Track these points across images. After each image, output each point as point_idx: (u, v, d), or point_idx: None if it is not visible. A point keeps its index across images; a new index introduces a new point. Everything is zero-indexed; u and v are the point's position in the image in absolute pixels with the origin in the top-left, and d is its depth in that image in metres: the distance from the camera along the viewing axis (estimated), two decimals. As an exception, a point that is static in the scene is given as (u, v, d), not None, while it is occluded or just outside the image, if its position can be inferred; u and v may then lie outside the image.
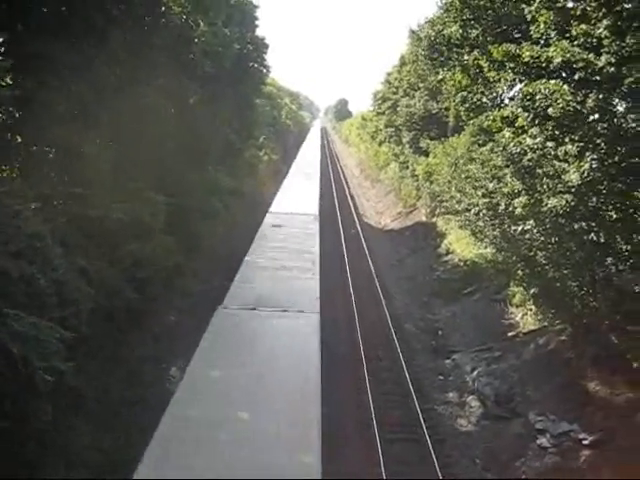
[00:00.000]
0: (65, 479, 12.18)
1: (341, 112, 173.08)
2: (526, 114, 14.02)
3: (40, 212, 16.04)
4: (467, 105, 18.90)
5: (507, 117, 15.31)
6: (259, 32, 39.61)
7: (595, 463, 14.19)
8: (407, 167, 45.58)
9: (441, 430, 17.32)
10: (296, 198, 34.19)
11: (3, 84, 17.87)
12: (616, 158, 13.10)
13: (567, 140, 13.48)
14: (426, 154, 39.03)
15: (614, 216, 13.85)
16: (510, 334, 21.40)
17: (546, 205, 14.41)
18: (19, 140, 19.17)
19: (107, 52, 19.84)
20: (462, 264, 30.09)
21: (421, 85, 39.83)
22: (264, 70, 45.59)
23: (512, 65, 14.15)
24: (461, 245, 31.72)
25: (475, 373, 19.73)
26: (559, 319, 19.71)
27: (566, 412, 16.18)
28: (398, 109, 45.05)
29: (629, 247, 14.26)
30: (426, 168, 37.51)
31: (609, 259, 16.01)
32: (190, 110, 31.26)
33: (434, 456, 15.63)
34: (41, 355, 10.53)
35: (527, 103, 13.64)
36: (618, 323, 16.59)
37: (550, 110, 13.02)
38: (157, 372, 17.73)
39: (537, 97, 13.19)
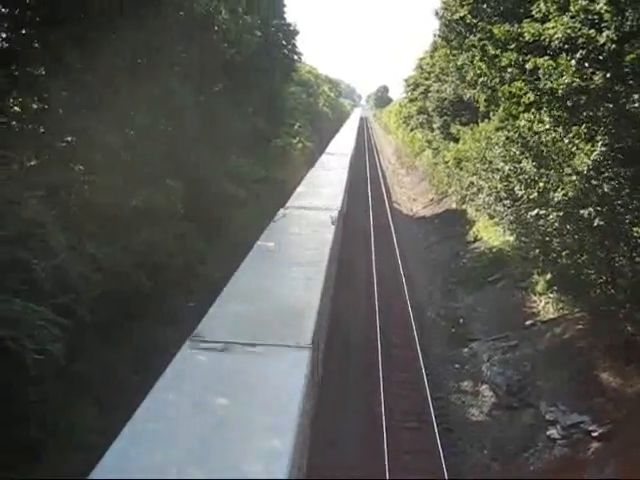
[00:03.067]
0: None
1: (382, 99, 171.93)
2: (534, 91, 13.58)
3: (48, 199, 16.27)
4: (487, 91, 18.48)
5: (514, 93, 14.83)
6: (292, 19, 39.48)
7: (602, 456, 13.80)
8: (439, 154, 44.98)
9: (451, 420, 17.05)
10: (315, 195, 29.87)
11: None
12: (623, 143, 12.59)
13: (575, 122, 13.03)
14: (456, 140, 38.40)
15: (623, 202, 13.36)
16: (528, 323, 20.93)
17: (556, 191, 14.00)
18: (37, 129, 19.58)
19: (121, 39, 19.99)
20: (488, 251, 29.65)
21: (452, 69, 39.06)
22: (295, 57, 45.45)
23: (515, 45, 13.74)
24: (488, 232, 31.24)
25: (489, 362, 19.39)
26: (577, 308, 19.23)
27: (578, 403, 15.77)
28: (429, 95, 44.46)
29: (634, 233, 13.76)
30: (455, 154, 36.90)
31: (625, 247, 15.58)
32: (214, 98, 31.35)
33: (440, 445, 15.39)
34: (31, 338, 10.66)
35: (534, 79, 13.20)
36: (634, 312, 16.08)
37: (554, 86, 12.56)
38: (167, 357, 17.82)
39: (540, 72, 12.76)
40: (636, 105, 12.04)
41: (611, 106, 12.49)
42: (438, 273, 30.49)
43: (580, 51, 12.37)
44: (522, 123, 16.07)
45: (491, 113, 27.58)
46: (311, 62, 75.01)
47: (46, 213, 13.96)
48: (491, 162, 19.51)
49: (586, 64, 12.45)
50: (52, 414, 13.82)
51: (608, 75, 12.69)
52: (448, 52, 35.42)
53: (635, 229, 14.03)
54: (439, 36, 22.41)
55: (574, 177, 13.25)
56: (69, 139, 20.39)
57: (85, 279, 14.60)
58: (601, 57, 12.36)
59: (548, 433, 15.47)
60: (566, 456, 14.60)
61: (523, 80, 13.78)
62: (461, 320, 24.29)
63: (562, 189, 13.70)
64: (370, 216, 42.44)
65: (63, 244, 14.13)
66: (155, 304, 19.58)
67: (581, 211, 13.87)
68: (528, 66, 13.21)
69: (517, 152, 16.64)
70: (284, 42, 42.00)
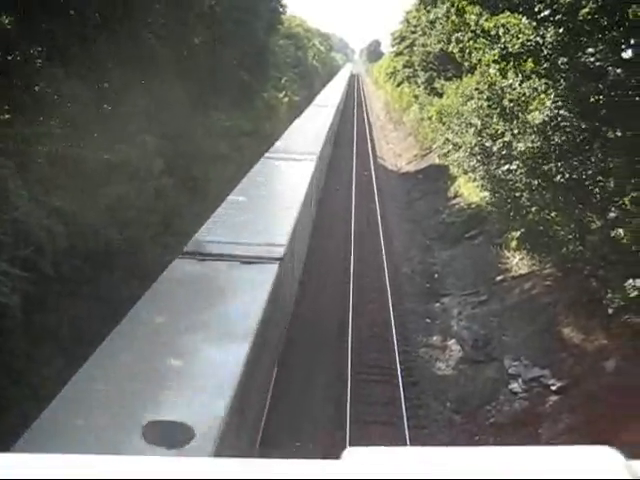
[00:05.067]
0: None
1: (374, 53, 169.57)
2: (494, 48, 13.42)
3: (14, 152, 16.13)
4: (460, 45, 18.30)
5: (479, 49, 14.67)
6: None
7: (558, 409, 14.08)
8: (424, 108, 44.66)
9: (416, 373, 17.28)
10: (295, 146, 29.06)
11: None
12: (577, 94, 12.50)
13: (532, 76, 12.92)
14: (441, 95, 38.09)
15: (583, 157, 13.34)
16: (499, 278, 21.10)
17: (517, 148, 14.00)
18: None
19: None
20: (467, 207, 29.70)
21: (426, 23, 38.55)
22: (279, 9, 44.70)
23: (479, -1, 13.55)
24: (468, 188, 31.18)
25: (458, 317, 19.61)
26: (548, 264, 19.37)
27: (540, 357, 16.02)
28: (415, 48, 43.92)
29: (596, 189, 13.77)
30: (439, 109, 36.60)
31: (594, 201, 15.59)
32: (195, 51, 30.89)
33: (403, 398, 15.63)
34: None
35: (492, 37, 13.03)
36: (599, 269, 16.21)
37: (510, 45, 12.45)
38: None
39: (499, 32, 12.60)
40: (590, 59, 11.94)
41: (566, 60, 12.34)
42: (417, 229, 30.58)
43: (537, 6, 12.19)
44: (491, 72, 16.00)
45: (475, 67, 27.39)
46: (302, 15, 73.65)
47: (4, 164, 13.83)
48: (465, 116, 19.40)
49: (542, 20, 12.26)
50: (15, 365, 13.92)
51: (560, 29, 12.52)
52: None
53: (600, 184, 14.02)
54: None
55: (532, 130, 13.21)
56: (36, 90, 20.17)
57: (48, 232, 14.56)
58: (556, 12, 12.16)
59: (510, 387, 15.74)
60: (525, 409, 14.88)
61: (485, 37, 13.59)
62: (436, 275, 24.46)
63: (523, 142, 13.66)
64: (353, 171, 42.29)
65: (24, 196, 14.07)
66: (126, 259, 19.57)
67: (543, 167, 13.88)
68: (486, 25, 13.04)
69: (486, 105, 16.58)
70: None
